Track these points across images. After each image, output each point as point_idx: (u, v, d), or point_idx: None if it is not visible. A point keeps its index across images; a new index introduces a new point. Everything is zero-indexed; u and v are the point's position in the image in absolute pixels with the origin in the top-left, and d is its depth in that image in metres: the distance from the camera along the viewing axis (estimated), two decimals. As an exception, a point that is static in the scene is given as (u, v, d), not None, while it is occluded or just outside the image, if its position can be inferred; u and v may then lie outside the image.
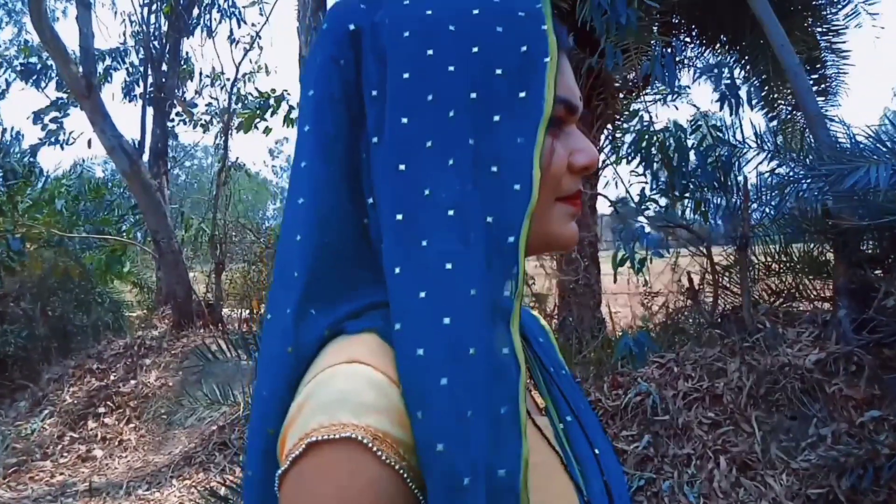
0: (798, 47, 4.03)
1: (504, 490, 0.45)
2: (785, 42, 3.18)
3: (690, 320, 4.01)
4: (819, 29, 5.19)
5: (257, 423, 0.53)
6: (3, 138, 7.53)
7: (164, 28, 8.59)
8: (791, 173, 3.37)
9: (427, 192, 0.50)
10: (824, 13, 5.16)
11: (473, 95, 0.52)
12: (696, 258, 4.09)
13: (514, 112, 0.52)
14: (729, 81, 3.55)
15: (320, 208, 0.53)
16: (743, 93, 3.72)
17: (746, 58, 5.21)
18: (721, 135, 3.60)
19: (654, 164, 3.66)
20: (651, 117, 3.74)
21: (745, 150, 3.54)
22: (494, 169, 0.51)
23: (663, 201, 3.79)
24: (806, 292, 3.71)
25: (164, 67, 8.57)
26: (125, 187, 8.02)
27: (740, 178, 3.56)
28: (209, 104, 9.32)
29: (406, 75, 0.52)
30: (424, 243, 0.49)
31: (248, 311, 7.27)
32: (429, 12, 0.54)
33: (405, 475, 0.45)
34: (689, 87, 5.57)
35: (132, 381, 5.83)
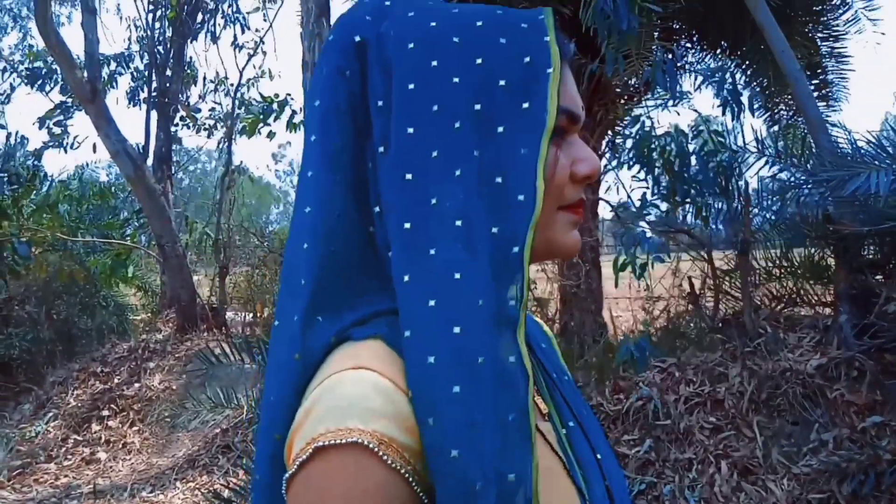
0: (799, 53, 4.04)
1: (513, 494, 0.46)
2: (786, 47, 3.19)
3: (692, 325, 4.01)
4: (820, 34, 5.19)
5: (265, 428, 0.53)
6: (8, 142, 7.56)
7: (169, 33, 8.63)
8: (792, 178, 3.38)
9: (434, 201, 0.51)
10: (825, 19, 5.16)
11: (478, 107, 0.53)
12: (698, 263, 4.09)
13: (518, 123, 0.53)
14: (731, 87, 3.56)
15: (326, 217, 0.54)
16: (744, 98, 3.72)
17: (747, 63, 5.22)
18: (722, 140, 3.61)
19: (656, 169, 3.67)
20: (652, 122, 3.75)
21: (746, 156, 3.55)
22: (499, 180, 0.52)
23: (664, 206, 3.79)
24: (807, 297, 3.70)
25: (169, 72, 8.61)
26: (129, 191, 8.04)
27: (741, 184, 3.57)
28: (213, 109, 9.36)
29: (411, 86, 0.53)
30: (432, 252, 0.50)
31: (251, 315, 7.28)
32: (433, 24, 0.55)
33: (411, 480, 0.46)
34: (690, 93, 5.58)
35: (136, 385, 5.84)
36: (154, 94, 8.57)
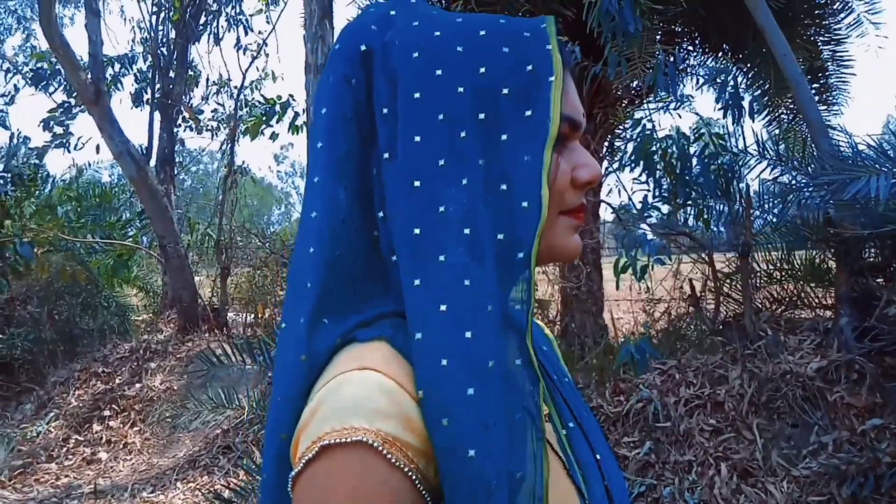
0: (800, 56, 4.05)
1: (521, 492, 0.48)
2: (787, 51, 3.20)
3: (692, 327, 4.01)
4: (821, 38, 5.20)
5: (272, 428, 0.54)
6: (11, 143, 7.57)
7: (172, 35, 8.65)
8: (793, 181, 3.39)
9: (442, 209, 0.53)
10: (827, 22, 5.17)
11: (482, 116, 0.54)
12: (698, 265, 4.10)
13: (521, 131, 0.54)
14: (732, 90, 3.57)
15: (332, 222, 0.55)
16: (745, 101, 3.73)
17: (748, 66, 5.23)
18: (723, 143, 3.62)
19: (657, 172, 3.68)
20: (654, 125, 3.75)
21: (747, 159, 3.56)
22: (504, 187, 0.53)
23: (665, 208, 3.80)
24: (808, 300, 3.71)
25: (172, 74, 8.63)
26: (132, 192, 8.06)
27: (742, 186, 3.58)
28: (215, 110, 9.37)
29: (417, 95, 0.54)
30: (442, 258, 0.51)
31: (253, 316, 7.28)
32: (437, 33, 0.56)
33: (415, 479, 0.47)
34: (691, 95, 5.60)
35: (137, 385, 5.85)
36: (157, 95, 8.59)
